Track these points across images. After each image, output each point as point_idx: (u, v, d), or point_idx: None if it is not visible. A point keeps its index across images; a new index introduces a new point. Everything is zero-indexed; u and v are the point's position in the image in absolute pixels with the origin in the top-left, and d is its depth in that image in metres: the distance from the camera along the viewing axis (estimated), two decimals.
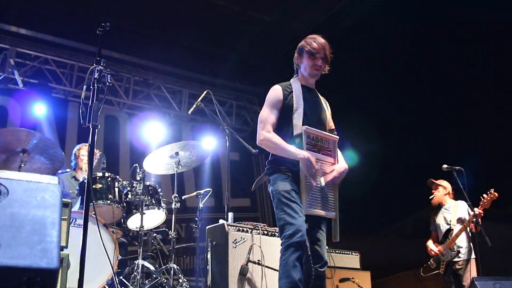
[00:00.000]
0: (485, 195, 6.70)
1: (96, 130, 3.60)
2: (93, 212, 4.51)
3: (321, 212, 4.21)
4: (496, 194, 6.67)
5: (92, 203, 3.39)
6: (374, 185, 10.66)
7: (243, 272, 5.06)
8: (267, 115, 4.36)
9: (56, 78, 10.40)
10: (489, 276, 4.84)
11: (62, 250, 4.13)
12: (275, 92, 4.44)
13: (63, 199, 4.30)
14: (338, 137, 4.51)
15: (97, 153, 7.10)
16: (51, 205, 2.36)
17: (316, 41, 4.43)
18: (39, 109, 9.68)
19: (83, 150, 7.23)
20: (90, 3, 8.84)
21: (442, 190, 7.41)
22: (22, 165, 5.64)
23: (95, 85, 3.56)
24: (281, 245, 4.09)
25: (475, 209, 6.66)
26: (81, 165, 7.17)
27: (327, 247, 6.85)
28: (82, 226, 3.29)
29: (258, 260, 5.17)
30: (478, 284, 4.47)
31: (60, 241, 2.24)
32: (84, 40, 10.04)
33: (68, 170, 7.25)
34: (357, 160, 8.38)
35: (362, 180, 10.31)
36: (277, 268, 4.16)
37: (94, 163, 7.08)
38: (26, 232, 2.21)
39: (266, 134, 4.29)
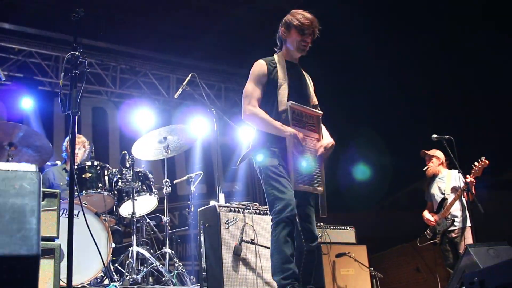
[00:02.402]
0: (476, 163, 6.71)
1: (78, 117, 3.56)
2: (80, 201, 4.48)
3: (309, 188, 4.21)
4: (487, 161, 6.68)
5: (77, 191, 3.36)
6: (367, 159, 10.68)
7: (237, 252, 5.06)
8: (252, 90, 4.33)
9: (42, 71, 10.31)
10: (483, 243, 4.84)
11: (54, 241, 4.12)
12: (260, 66, 4.40)
13: (51, 190, 4.31)
14: (321, 112, 4.49)
15: (86, 143, 7.07)
16: (30, 192, 2.34)
17: (305, 16, 4.38)
18: (26, 103, 9.61)
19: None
20: None
21: (436, 161, 7.42)
22: (10, 159, 5.60)
23: (73, 72, 3.52)
24: (271, 220, 4.09)
25: (467, 177, 6.66)
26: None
27: (321, 223, 6.92)
28: (68, 215, 3.24)
29: (251, 239, 5.17)
30: (472, 251, 4.46)
31: (39, 228, 2.21)
32: (68, 31, 9.91)
33: (58, 162, 7.22)
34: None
35: (356, 155, 10.34)
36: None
37: (84, 154, 7.06)
38: (5, 221, 2.20)
39: (252, 108, 4.26)
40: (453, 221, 6.98)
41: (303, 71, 4.67)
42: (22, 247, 2.13)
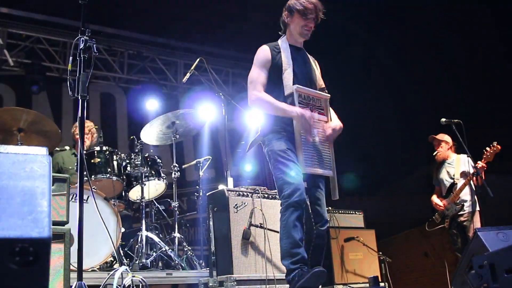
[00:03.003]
0: (488, 148, 6.67)
1: (87, 102, 3.56)
2: (91, 186, 4.50)
3: (319, 170, 4.20)
4: (499, 146, 6.64)
5: (87, 176, 3.36)
6: (376, 143, 10.66)
7: (245, 236, 5.07)
8: (257, 75, 4.32)
9: (50, 56, 10.33)
10: (492, 226, 4.83)
11: (64, 225, 4.15)
12: (264, 52, 4.40)
13: (61, 175, 4.33)
14: (329, 95, 4.47)
15: (93, 128, 7.08)
16: (40, 175, 2.33)
17: (308, 0, 4.36)
18: (35, 89, 9.64)
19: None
20: None
21: (445, 146, 7.39)
22: (19, 144, 5.62)
23: (81, 56, 3.51)
24: (281, 205, 4.09)
25: (479, 162, 6.63)
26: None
27: (330, 207, 6.91)
28: (77, 200, 3.26)
29: (260, 224, 5.16)
30: (481, 235, 4.43)
31: (50, 211, 2.22)
32: (76, 17, 9.88)
33: (67, 147, 7.23)
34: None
35: (364, 139, 10.32)
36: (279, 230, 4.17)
37: (93, 140, 7.08)
38: (16, 204, 2.20)
39: (257, 93, 4.26)
40: (463, 205, 6.96)
41: (309, 55, 4.65)
42: (34, 229, 2.13)
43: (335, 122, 4.40)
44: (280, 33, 4.60)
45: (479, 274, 3.24)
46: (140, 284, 3.96)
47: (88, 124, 7.03)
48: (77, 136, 7.13)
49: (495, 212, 6.93)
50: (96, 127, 7.09)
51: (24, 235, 2.11)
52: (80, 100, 3.45)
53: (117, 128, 10.70)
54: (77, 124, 7.20)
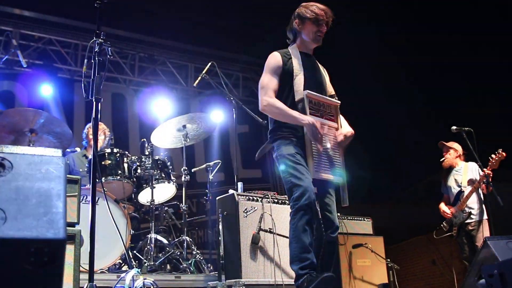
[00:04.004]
0: (493, 155, 6.68)
1: (100, 104, 3.59)
2: (103, 188, 4.52)
3: (329, 176, 4.21)
4: (504, 154, 6.65)
5: (99, 178, 3.38)
6: (385, 150, 10.65)
7: (255, 241, 5.08)
8: (268, 81, 4.35)
9: (61, 58, 10.38)
10: (502, 235, 4.82)
11: (74, 227, 4.16)
12: (275, 58, 4.43)
13: (72, 176, 4.35)
14: (339, 102, 4.49)
15: (106, 130, 7.12)
16: (56, 177, 2.36)
17: (318, 7, 4.44)
18: (46, 90, 9.70)
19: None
20: None
21: (453, 153, 7.39)
22: (31, 145, 5.66)
23: (96, 59, 3.54)
24: (291, 208, 4.10)
25: (484, 169, 6.63)
26: (92, 143, 7.19)
27: (339, 213, 6.91)
28: (88, 201, 3.28)
29: (270, 228, 5.17)
30: (491, 244, 4.42)
31: (65, 212, 2.24)
32: (87, 19, 9.98)
33: (78, 149, 7.27)
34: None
35: (373, 146, 10.31)
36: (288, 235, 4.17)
37: (104, 142, 7.11)
38: (32, 205, 2.22)
39: (268, 99, 4.28)
40: (470, 213, 6.96)
41: (318, 63, 4.68)
42: (49, 230, 2.15)
43: (346, 129, 4.42)
44: (288, 41, 4.63)
45: (489, 284, 3.24)
46: (151, 287, 3.97)
47: (102, 126, 7.07)
48: (91, 137, 7.20)
49: (503, 221, 6.91)
50: (108, 129, 7.12)
51: (40, 236, 2.14)
52: (94, 102, 3.47)
53: (128, 130, 10.72)
54: (90, 124, 7.33)
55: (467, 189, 7.01)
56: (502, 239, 4.48)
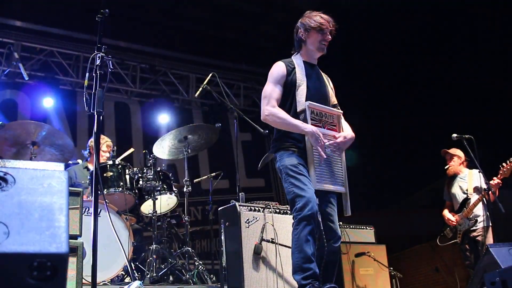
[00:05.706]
0: (504, 164, 6.64)
1: (101, 116, 3.59)
2: (105, 200, 4.53)
3: (331, 187, 4.22)
4: None
5: (100, 189, 3.39)
6: (387, 157, 10.64)
7: (257, 251, 5.07)
8: (271, 90, 4.36)
9: (63, 70, 10.43)
10: (504, 242, 4.81)
11: (76, 239, 4.17)
12: (279, 67, 4.45)
13: (74, 188, 4.36)
14: (341, 111, 4.51)
15: (110, 146, 7.12)
16: (58, 191, 2.36)
17: (322, 16, 4.48)
18: (48, 102, 9.74)
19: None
20: None
21: (457, 160, 7.37)
22: (33, 157, 5.68)
23: (97, 72, 3.56)
24: (293, 219, 4.10)
25: (494, 178, 6.60)
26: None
27: (341, 222, 6.92)
28: (90, 213, 3.28)
29: (272, 239, 5.17)
30: (493, 251, 4.42)
31: (68, 226, 2.25)
32: (88, 31, 10.03)
33: (79, 161, 7.28)
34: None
35: (376, 153, 10.31)
36: (290, 245, 4.17)
37: (108, 155, 7.12)
38: (34, 219, 2.23)
39: (271, 109, 4.29)
40: (476, 220, 6.93)
41: (322, 72, 4.70)
42: (52, 245, 2.16)
43: (347, 131, 4.44)
44: (292, 52, 4.65)
45: None
46: None
47: (106, 140, 7.08)
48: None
49: (506, 228, 6.90)
50: (111, 142, 7.13)
51: (42, 250, 2.14)
52: (96, 116, 3.48)
53: (132, 141, 10.72)
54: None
55: (473, 196, 6.98)
56: (504, 246, 4.47)
